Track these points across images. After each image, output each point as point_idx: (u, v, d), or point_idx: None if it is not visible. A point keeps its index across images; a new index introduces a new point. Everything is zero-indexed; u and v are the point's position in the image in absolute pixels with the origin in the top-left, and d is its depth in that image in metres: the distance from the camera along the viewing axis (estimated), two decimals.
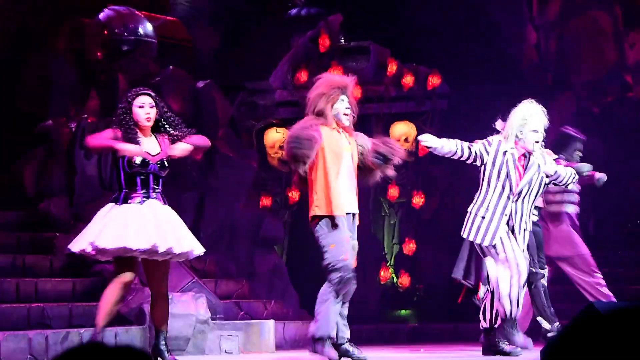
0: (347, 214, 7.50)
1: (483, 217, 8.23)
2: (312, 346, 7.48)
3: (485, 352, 8.50)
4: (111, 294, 7.20)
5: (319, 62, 12.68)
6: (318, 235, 7.47)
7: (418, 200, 13.42)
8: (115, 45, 11.92)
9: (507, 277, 8.14)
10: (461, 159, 8.37)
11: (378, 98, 13.20)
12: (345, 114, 7.59)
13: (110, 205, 7.22)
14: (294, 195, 12.54)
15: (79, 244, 7.16)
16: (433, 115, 13.52)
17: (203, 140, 7.66)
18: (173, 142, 7.38)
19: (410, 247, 13.31)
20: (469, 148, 8.29)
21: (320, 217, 7.44)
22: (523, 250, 8.27)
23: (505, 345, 8.29)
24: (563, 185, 8.60)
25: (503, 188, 8.21)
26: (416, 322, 12.94)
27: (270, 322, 10.36)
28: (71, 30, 12.18)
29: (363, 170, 7.73)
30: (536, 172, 8.28)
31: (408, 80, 13.35)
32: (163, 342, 7.45)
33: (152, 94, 7.44)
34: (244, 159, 11.89)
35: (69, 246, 7.34)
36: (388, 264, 13.27)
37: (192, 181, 11.54)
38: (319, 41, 12.82)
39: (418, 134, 13.34)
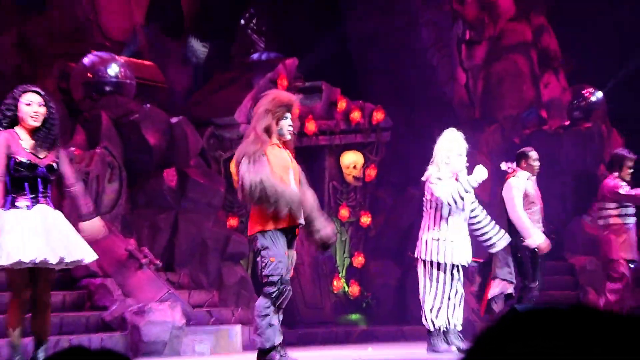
0: (293, 227, 6.97)
1: (452, 241, 8.26)
2: (260, 356, 6.99)
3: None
4: (15, 314, 6.30)
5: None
6: (259, 247, 6.88)
7: (365, 219, 13.45)
8: (98, 86, 11.89)
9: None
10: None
11: (330, 131, 13.22)
12: (288, 130, 7.14)
13: None
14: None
15: None
16: (378, 146, 13.58)
17: (75, 178, 6.70)
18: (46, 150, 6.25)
19: (359, 260, 13.34)
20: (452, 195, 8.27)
21: (264, 232, 6.86)
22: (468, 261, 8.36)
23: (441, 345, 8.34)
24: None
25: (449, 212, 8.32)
26: (365, 325, 12.96)
27: (238, 327, 10.37)
28: (59, 73, 12.13)
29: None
30: (467, 191, 8.39)
31: (356, 115, 13.39)
32: (42, 354, 6.35)
33: (42, 93, 6.33)
34: (213, 184, 11.85)
35: None
36: (340, 275, 13.27)
37: (167, 204, 11.52)
38: (278, 81, 12.81)
39: (365, 163, 13.57)
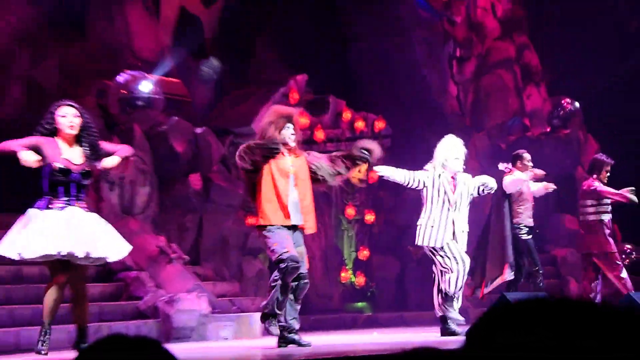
0: (289, 226, 7.10)
1: (432, 227, 8.33)
2: (261, 318, 7.22)
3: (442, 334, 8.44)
4: (49, 295, 6.29)
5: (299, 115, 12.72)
6: (264, 239, 7.10)
7: (369, 217, 13.49)
8: (131, 101, 11.94)
9: (455, 270, 8.28)
10: (407, 185, 8.49)
11: (337, 139, 13.23)
12: (291, 138, 7.21)
13: (34, 211, 6.16)
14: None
15: (8, 249, 6.18)
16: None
17: (127, 151, 6.74)
18: (92, 153, 6.30)
19: (364, 253, 13.37)
20: (413, 176, 8.40)
21: (265, 226, 7.05)
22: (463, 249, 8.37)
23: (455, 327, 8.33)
24: (490, 189, 8.60)
25: (443, 202, 8.38)
26: (370, 312, 13.00)
27: (257, 315, 10.26)
28: (97, 90, 12.18)
29: (317, 181, 7.44)
30: (464, 187, 8.48)
31: (359, 124, 13.43)
32: (85, 341, 6.44)
33: (77, 105, 6.35)
34: (233, 187, 11.85)
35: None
36: (347, 267, 13.30)
37: (193, 206, 11.55)
38: (290, 95, 12.84)
39: (368, 167, 13.53)
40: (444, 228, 8.33)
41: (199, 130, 11.94)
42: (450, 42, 15.41)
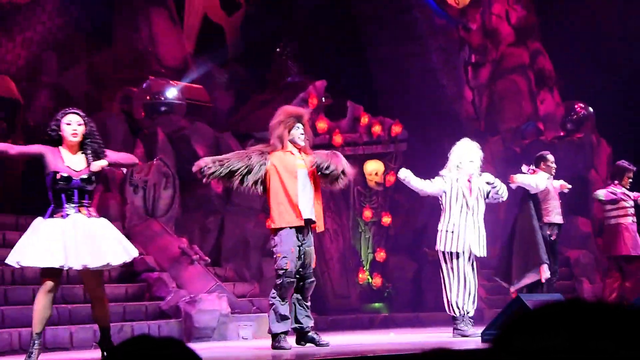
0: (305, 220, 6.95)
1: (452, 232, 8.18)
2: (272, 343, 7.03)
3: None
4: (38, 302, 6.02)
5: (309, 116, 12.66)
6: (273, 244, 7.05)
7: (386, 219, 13.38)
8: (155, 107, 11.93)
9: (454, 290, 8.18)
10: (425, 193, 8.35)
11: (354, 143, 13.18)
12: (300, 138, 7.10)
13: (39, 219, 6.03)
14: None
15: (11, 257, 6.03)
16: (396, 155, 13.51)
17: (130, 159, 6.54)
18: (95, 160, 6.10)
19: (381, 255, 13.27)
20: (432, 185, 8.23)
21: (276, 230, 6.96)
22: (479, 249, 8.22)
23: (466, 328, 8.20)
24: (500, 193, 8.39)
25: (462, 207, 8.22)
26: (387, 312, 12.88)
27: None
28: (123, 96, 12.20)
29: (325, 178, 7.16)
30: (478, 190, 8.32)
31: (377, 129, 13.34)
32: (109, 338, 6.40)
33: (82, 114, 6.17)
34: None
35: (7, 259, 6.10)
36: (365, 268, 13.23)
37: (214, 208, 11.51)
38: (309, 100, 12.80)
39: (385, 170, 13.52)
40: (464, 233, 8.18)
41: (220, 134, 11.99)
42: (466, 49, 15.37)
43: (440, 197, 8.33)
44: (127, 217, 10.68)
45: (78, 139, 6.06)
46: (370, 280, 13.16)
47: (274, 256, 7.04)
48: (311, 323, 7.21)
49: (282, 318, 7.01)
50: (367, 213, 13.32)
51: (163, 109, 11.90)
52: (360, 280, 13.09)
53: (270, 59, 14.99)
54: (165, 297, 9.77)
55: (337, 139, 12.86)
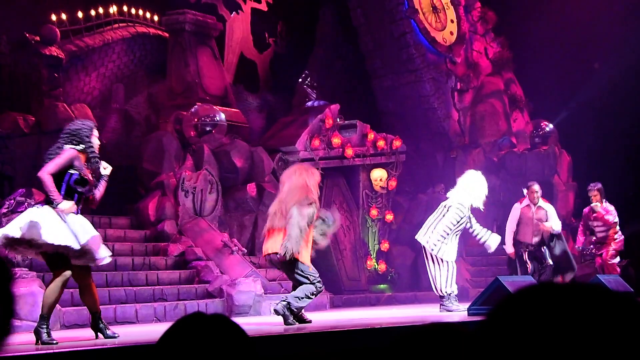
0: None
1: (446, 244, 8.28)
2: (288, 312, 6.91)
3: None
4: (55, 290, 5.45)
5: (325, 133, 12.66)
6: (301, 265, 6.93)
7: (389, 217, 13.29)
8: (202, 127, 11.94)
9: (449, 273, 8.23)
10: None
11: (363, 155, 13.10)
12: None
13: (48, 208, 5.38)
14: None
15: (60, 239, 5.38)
16: (397, 164, 13.45)
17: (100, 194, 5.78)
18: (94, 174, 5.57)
19: (385, 246, 13.18)
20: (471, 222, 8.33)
21: (302, 256, 6.89)
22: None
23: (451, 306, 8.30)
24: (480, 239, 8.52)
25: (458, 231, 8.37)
26: (390, 292, 12.82)
27: None
28: (175, 119, 12.22)
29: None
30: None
31: (381, 143, 13.27)
32: (100, 322, 5.77)
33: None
34: None
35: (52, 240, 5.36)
36: (372, 256, 13.16)
37: (249, 208, 11.48)
38: (325, 120, 12.76)
39: (388, 177, 13.48)
40: (455, 246, 8.26)
41: (254, 148, 11.93)
42: (453, 78, 15.33)
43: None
44: (180, 216, 10.69)
45: (97, 154, 5.67)
46: (376, 266, 13.11)
47: (305, 273, 6.95)
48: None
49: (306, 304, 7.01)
50: (374, 212, 13.26)
51: (208, 128, 11.89)
52: (368, 266, 13.04)
53: (294, 88, 15.01)
54: (211, 281, 9.77)
55: (349, 151, 12.82)
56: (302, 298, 6.96)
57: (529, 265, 8.94)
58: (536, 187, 9.16)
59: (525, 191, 9.22)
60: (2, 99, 11.33)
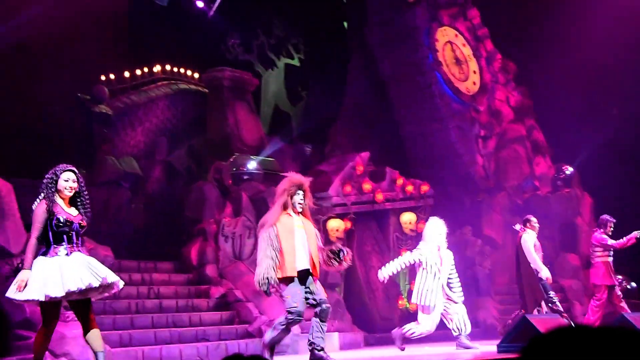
0: (301, 270, 6.23)
1: (427, 290, 8.66)
2: (267, 347, 6.39)
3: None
4: (41, 340, 5.27)
5: (356, 179, 12.74)
6: (280, 290, 6.29)
7: None
8: (239, 176, 12.07)
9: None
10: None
11: (392, 199, 13.14)
12: (299, 204, 6.39)
13: (42, 258, 5.26)
14: (347, 257, 12.41)
15: (24, 294, 5.17)
16: (425, 208, 13.48)
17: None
18: (84, 212, 5.43)
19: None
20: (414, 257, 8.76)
21: (280, 279, 6.23)
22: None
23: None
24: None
25: (435, 273, 8.72)
26: None
27: (335, 334, 10.27)
28: (214, 169, 12.39)
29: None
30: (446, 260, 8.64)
31: (409, 188, 13.29)
32: None
33: (76, 172, 5.50)
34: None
35: (14, 296, 5.16)
36: (403, 296, 13.11)
37: None
38: (356, 167, 12.85)
39: (417, 220, 13.49)
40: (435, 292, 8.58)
41: None
42: (477, 125, 15.37)
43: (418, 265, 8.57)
44: (220, 260, 10.78)
45: (71, 194, 5.44)
46: (407, 305, 13.03)
47: (284, 298, 6.33)
48: (324, 344, 6.47)
49: (278, 341, 6.47)
50: (404, 253, 13.23)
51: (246, 177, 12.02)
52: (399, 306, 12.96)
53: (327, 137, 15.18)
54: (251, 321, 9.82)
55: (379, 196, 12.88)
56: (273, 329, 6.43)
57: (555, 297, 9.05)
58: (534, 218, 9.37)
59: (520, 226, 9.31)
60: (56, 155, 11.67)
